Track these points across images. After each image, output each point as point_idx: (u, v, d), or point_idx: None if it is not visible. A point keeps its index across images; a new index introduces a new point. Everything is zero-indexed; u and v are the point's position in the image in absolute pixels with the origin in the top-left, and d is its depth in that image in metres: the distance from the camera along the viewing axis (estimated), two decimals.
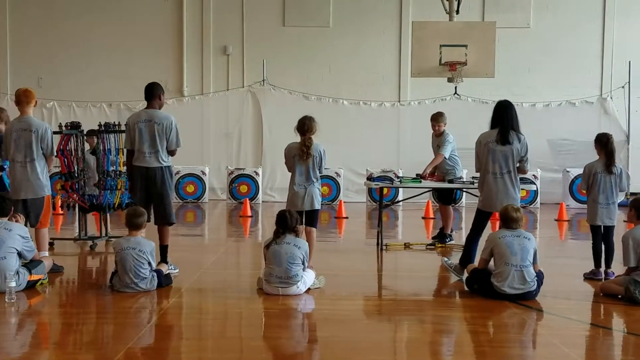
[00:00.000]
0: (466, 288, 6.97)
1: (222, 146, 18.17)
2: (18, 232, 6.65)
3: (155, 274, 6.75)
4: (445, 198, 10.20)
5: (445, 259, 8.04)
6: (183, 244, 10.51)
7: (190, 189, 16.97)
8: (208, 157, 17.91)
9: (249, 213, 14.11)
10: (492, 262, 6.73)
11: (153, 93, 7.55)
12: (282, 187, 15.41)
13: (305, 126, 7.63)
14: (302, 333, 5.77)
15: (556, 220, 13.87)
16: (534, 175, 16.04)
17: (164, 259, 7.35)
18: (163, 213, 7.49)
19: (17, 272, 6.48)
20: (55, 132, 8.62)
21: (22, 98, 7.62)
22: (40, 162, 7.54)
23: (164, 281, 6.85)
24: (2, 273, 6.35)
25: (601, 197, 7.67)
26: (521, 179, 7.77)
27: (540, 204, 16.67)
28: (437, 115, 10.17)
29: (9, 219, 6.87)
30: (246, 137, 18.28)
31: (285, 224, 6.76)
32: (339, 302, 6.57)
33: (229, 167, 17.35)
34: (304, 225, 7.62)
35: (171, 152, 7.54)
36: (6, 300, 6.05)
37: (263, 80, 18.04)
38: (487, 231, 7.50)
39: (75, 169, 9.48)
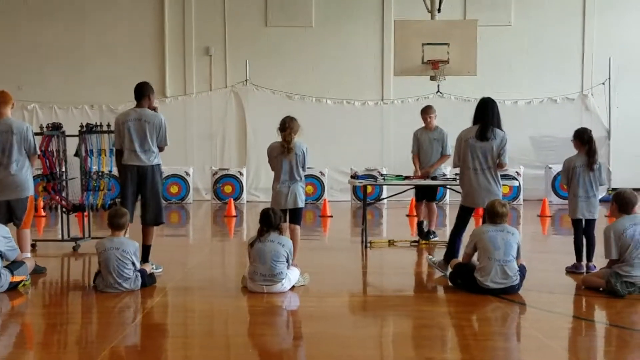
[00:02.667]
0: (450, 283, 7.01)
1: (205, 147, 18.14)
2: (0, 233, 6.60)
3: (139, 273, 6.73)
4: (430, 195, 10.18)
5: (430, 256, 8.08)
6: (168, 244, 10.48)
7: (174, 189, 16.93)
8: (192, 157, 17.86)
9: (234, 213, 14.10)
10: (475, 257, 6.78)
11: (142, 92, 7.56)
12: (266, 187, 15.37)
13: (285, 124, 7.69)
14: (287, 330, 5.78)
15: (539, 216, 13.98)
16: (516, 171, 16.16)
17: (145, 258, 7.33)
18: (154, 212, 7.47)
19: (0, 274, 6.43)
20: (36, 134, 8.57)
21: (1, 100, 7.57)
22: (23, 163, 7.51)
23: (148, 281, 6.83)
24: None
25: (581, 190, 7.73)
26: (504, 175, 7.82)
27: (523, 200, 16.79)
28: (428, 108, 10.07)
29: None
30: (230, 137, 18.26)
31: (269, 222, 6.76)
32: (324, 299, 6.58)
33: (212, 168, 17.31)
34: (287, 223, 7.65)
35: (160, 149, 7.57)
36: None
37: (246, 81, 18.03)
38: (471, 227, 7.56)
39: (57, 170, 9.42)
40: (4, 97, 7.60)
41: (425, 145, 9.98)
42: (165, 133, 7.52)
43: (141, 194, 7.45)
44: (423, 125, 10.04)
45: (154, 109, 7.67)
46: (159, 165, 7.55)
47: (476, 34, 12.77)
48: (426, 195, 10.13)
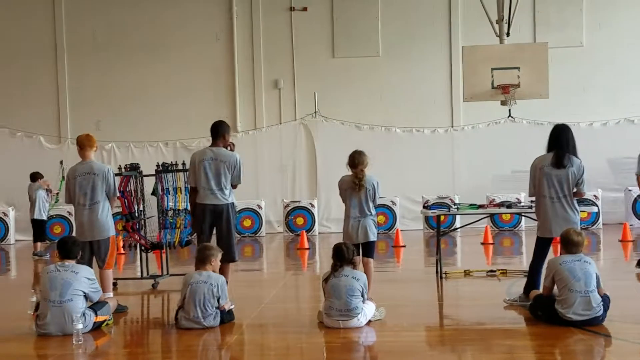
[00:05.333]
0: (530, 315, 6.82)
1: (276, 179, 18.32)
2: (84, 275, 6.79)
3: (219, 312, 6.79)
4: None
5: (507, 298, 7.75)
6: (243, 279, 10.58)
7: (247, 223, 17.13)
8: (264, 191, 18.04)
9: (306, 245, 14.14)
10: (555, 288, 6.59)
11: (219, 131, 7.77)
12: (337, 217, 15.36)
13: (355, 160, 7.70)
14: None
15: (620, 241, 13.49)
16: (594, 195, 15.68)
17: None
18: (227, 250, 7.60)
19: (84, 314, 6.61)
20: (115, 174, 8.85)
21: (85, 142, 7.88)
22: (104, 204, 7.75)
23: (226, 318, 6.89)
24: (69, 315, 6.47)
25: None
26: (581, 200, 7.61)
27: (603, 224, 16.26)
28: None
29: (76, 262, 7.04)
30: (300, 169, 18.40)
31: (342, 256, 6.76)
32: (401, 333, 6.52)
33: (284, 200, 17.46)
34: (360, 257, 7.62)
35: (233, 187, 7.73)
36: (74, 342, 6.17)
37: (315, 112, 18.18)
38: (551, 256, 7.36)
39: (135, 209, 9.69)
40: (89, 141, 7.91)
41: None
42: (239, 172, 7.71)
43: (217, 232, 7.61)
44: None
45: (231, 146, 7.84)
46: (233, 203, 7.72)
47: (547, 56, 12.56)
48: None
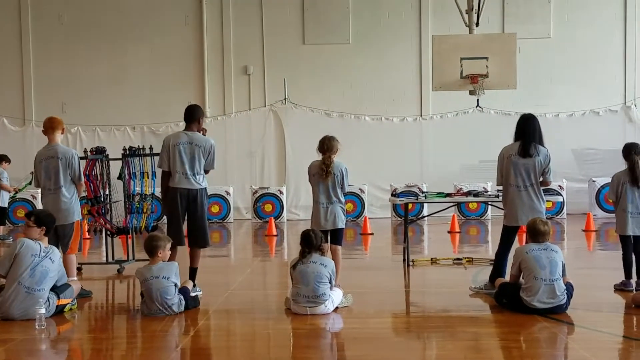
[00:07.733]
0: (495, 303, 6.90)
1: (245, 166, 18.23)
2: (58, 262, 6.70)
3: (182, 297, 6.73)
4: None
5: (472, 285, 7.84)
6: (210, 265, 10.50)
7: (215, 209, 17.04)
8: (232, 177, 17.94)
9: (274, 232, 14.12)
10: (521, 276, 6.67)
11: (194, 115, 7.63)
12: (306, 204, 15.41)
13: (324, 145, 7.70)
14: (332, 353, 5.74)
15: (584, 230, 13.71)
16: (559, 185, 15.91)
17: (192, 279, 7.43)
18: (201, 236, 7.56)
19: (48, 299, 6.51)
20: (80, 158, 8.73)
21: (48, 125, 7.75)
22: (68, 189, 7.63)
23: (191, 303, 6.85)
24: (36, 301, 6.34)
25: (631, 206, 7.56)
26: (546, 190, 7.70)
27: (567, 214, 16.51)
28: None
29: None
30: (269, 156, 18.34)
31: (311, 243, 6.76)
32: (368, 320, 6.55)
33: (253, 187, 17.40)
34: (329, 244, 7.63)
35: (205, 172, 7.65)
36: (36, 326, 6.09)
37: (284, 99, 18.11)
38: (516, 245, 7.45)
39: (101, 193, 9.56)
40: (52, 123, 7.76)
41: None
42: (213, 157, 7.59)
43: (189, 217, 7.52)
44: None
45: (203, 132, 7.76)
46: (206, 188, 7.61)
47: (515, 47, 12.64)
48: None
